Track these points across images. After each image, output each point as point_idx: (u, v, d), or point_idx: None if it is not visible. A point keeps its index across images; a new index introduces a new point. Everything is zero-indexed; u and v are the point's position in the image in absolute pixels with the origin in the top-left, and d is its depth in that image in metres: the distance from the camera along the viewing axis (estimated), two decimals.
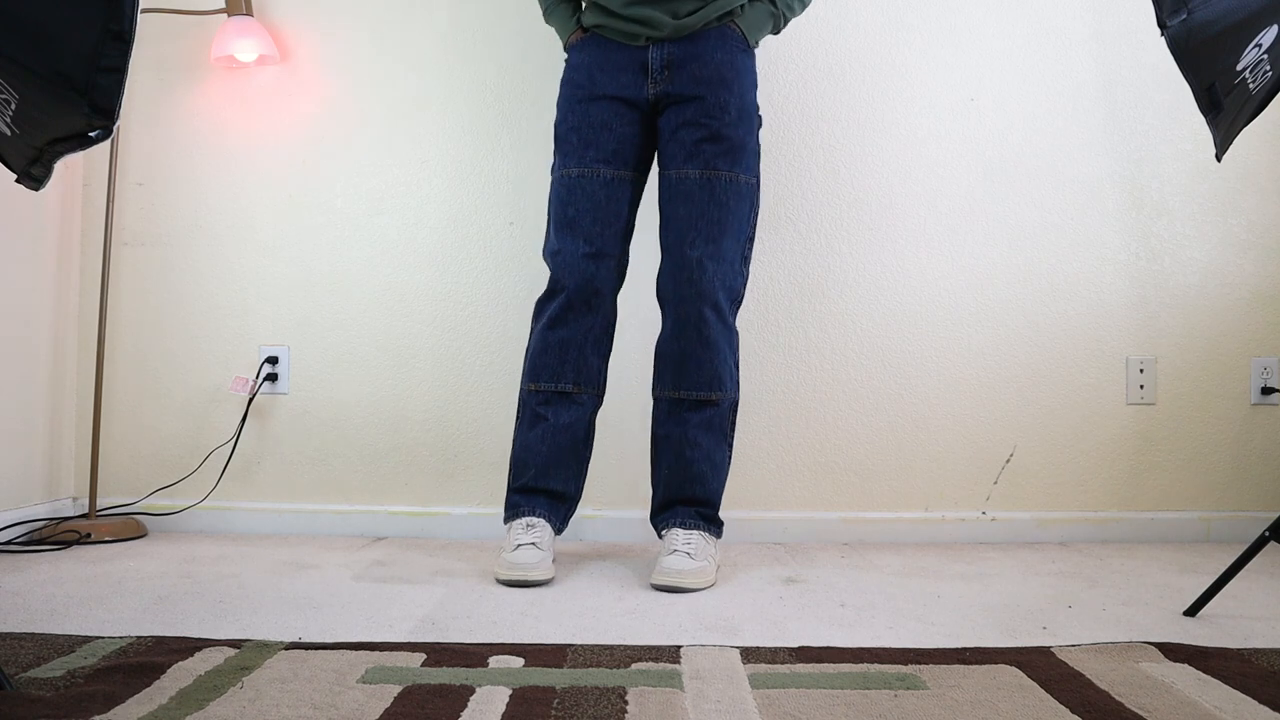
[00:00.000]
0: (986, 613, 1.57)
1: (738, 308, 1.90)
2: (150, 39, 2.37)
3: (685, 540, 1.81)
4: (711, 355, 1.84)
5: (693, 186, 1.84)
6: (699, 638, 1.41)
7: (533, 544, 1.78)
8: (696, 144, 1.84)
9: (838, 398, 2.30)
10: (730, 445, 1.92)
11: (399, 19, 2.35)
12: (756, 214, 1.91)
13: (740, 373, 1.99)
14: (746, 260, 1.90)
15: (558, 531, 1.89)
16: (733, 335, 1.89)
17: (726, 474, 1.92)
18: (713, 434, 1.87)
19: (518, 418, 1.92)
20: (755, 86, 1.91)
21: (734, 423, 1.92)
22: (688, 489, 1.87)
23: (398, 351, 2.34)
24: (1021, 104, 2.32)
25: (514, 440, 1.92)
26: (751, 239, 1.90)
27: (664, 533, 1.88)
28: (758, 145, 1.90)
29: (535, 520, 1.84)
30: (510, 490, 1.91)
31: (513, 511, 1.88)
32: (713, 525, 1.88)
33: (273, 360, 2.34)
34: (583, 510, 2.28)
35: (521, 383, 1.92)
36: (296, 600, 1.62)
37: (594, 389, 1.90)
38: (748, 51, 1.89)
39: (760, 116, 1.91)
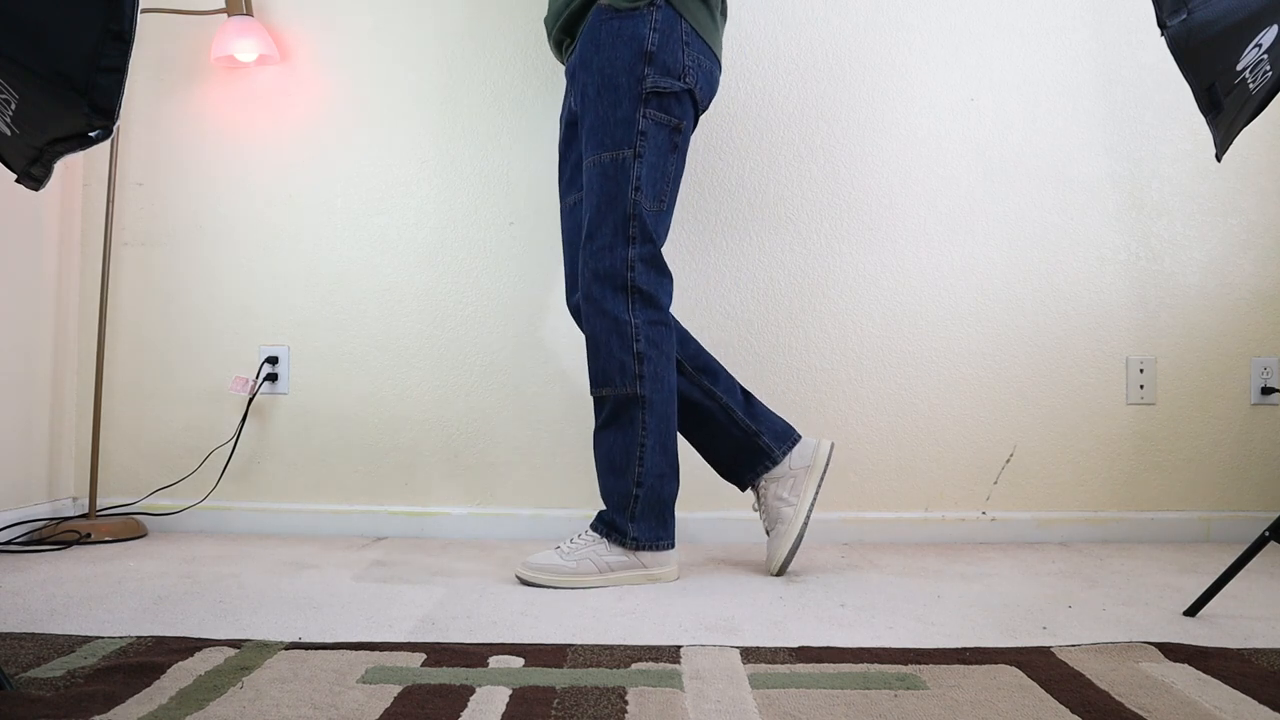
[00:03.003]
0: (986, 613, 1.57)
1: (629, 293, 1.78)
2: (150, 39, 2.37)
3: (572, 539, 1.81)
4: (594, 351, 1.80)
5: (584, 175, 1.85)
6: (699, 638, 1.41)
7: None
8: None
9: (838, 398, 2.29)
10: (644, 446, 1.78)
11: (399, 19, 2.35)
12: (645, 185, 1.78)
13: (657, 366, 1.79)
14: (633, 239, 1.78)
15: None
16: (621, 325, 1.77)
17: (646, 479, 1.78)
18: (611, 432, 1.80)
19: None
20: (632, 48, 1.75)
21: (647, 422, 1.78)
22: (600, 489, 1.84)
23: (398, 351, 2.34)
24: (1021, 104, 2.32)
25: None
26: (638, 214, 1.78)
27: None
28: (631, 113, 1.76)
29: None
30: None
31: None
32: (612, 531, 1.79)
33: (273, 360, 2.34)
34: (583, 510, 2.28)
35: None
36: (296, 600, 1.62)
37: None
38: (617, 17, 1.76)
39: (647, 75, 1.75)
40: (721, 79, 2.31)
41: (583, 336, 2.29)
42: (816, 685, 1.18)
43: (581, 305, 1.82)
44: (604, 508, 1.84)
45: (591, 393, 1.83)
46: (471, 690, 1.15)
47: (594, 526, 1.82)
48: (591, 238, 1.79)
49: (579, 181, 1.93)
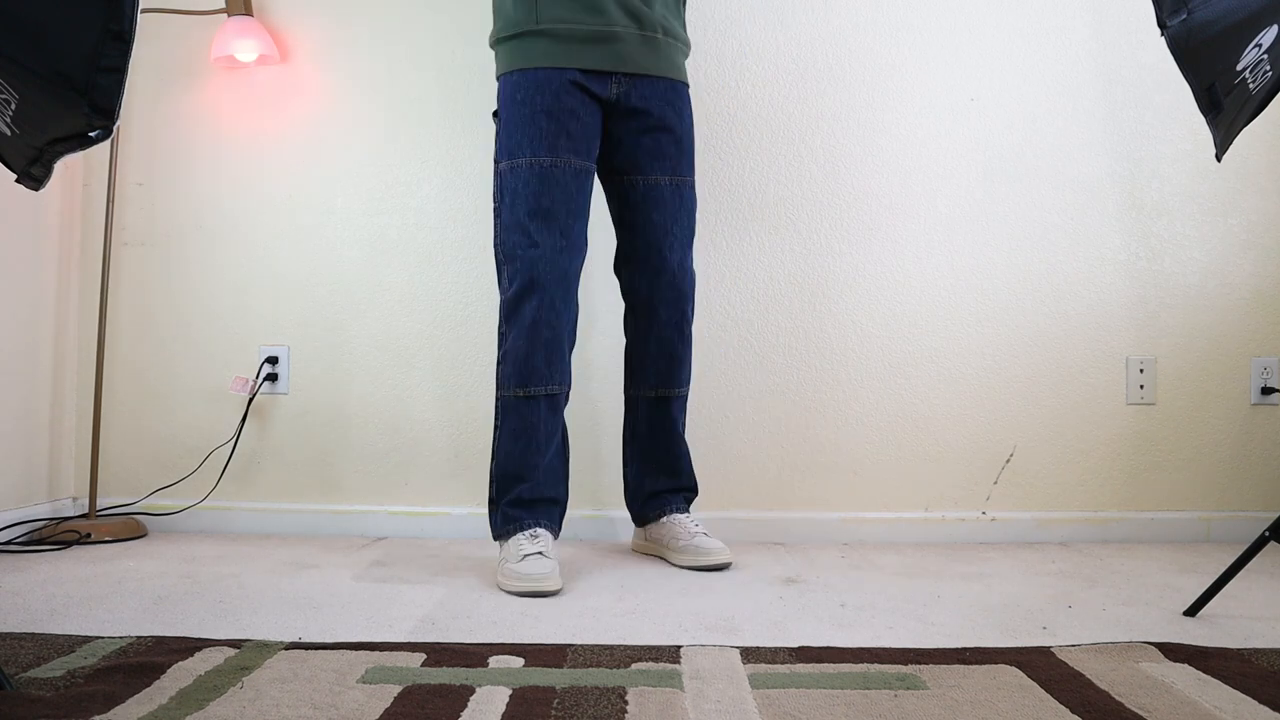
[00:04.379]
0: (986, 613, 1.57)
1: None
2: (150, 39, 2.37)
3: (696, 524, 1.99)
4: (688, 352, 2.02)
5: (665, 192, 1.93)
6: (699, 638, 1.41)
7: (539, 553, 1.73)
8: (662, 149, 1.94)
9: (838, 398, 2.29)
10: None
11: (399, 19, 2.35)
12: None
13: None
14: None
15: (555, 537, 1.87)
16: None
17: None
18: (683, 423, 2.06)
19: (501, 425, 1.84)
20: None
21: None
22: (682, 478, 2.04)
23: (397, 351, 2.34)
24: (1021, 104, 2.32)
25: (499, 449, 1.83)
26: None
27: (663, 519, 2.00)
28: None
29: (539, 530, 1.81)
30: (503, 504, 1.83)
31: (514, 525, 1.80)
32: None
33: (273, 360, 2.34)
34: (581, 510, 2.28)
35: (504, 387, 1.83)
36: (296, 600, 1.62)
37: (569, 385, 1.88)
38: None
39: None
40: (721, 78, 2.31)
41: (584, 336, 2.29)
42: (816, 685, 1.18)
43: (682, 316, 2.00)
44: (682, 491, 2.07)
45: (679, 391, 2.01)
46: (471, 690, 1.15)
47: (688, 510, 2.05)
48: (691, 262, 2.04)
49: (592, 153, 1.94)
